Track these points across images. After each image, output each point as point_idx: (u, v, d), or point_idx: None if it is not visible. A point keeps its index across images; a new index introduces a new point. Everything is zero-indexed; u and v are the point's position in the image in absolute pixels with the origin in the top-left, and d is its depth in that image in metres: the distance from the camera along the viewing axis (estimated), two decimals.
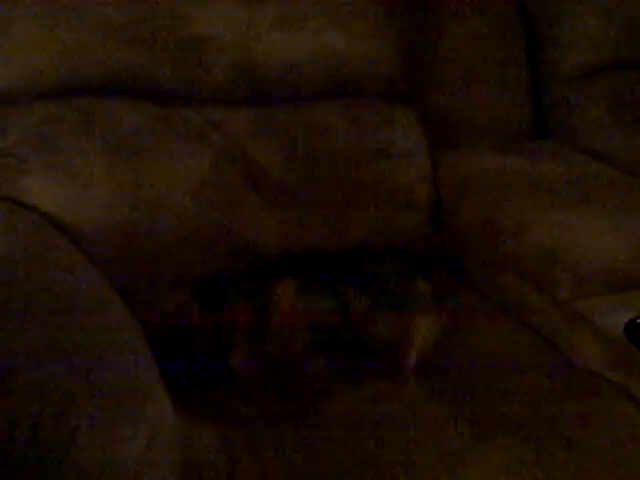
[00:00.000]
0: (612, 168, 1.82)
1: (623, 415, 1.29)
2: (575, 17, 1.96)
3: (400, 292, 1.38)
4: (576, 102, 1.96)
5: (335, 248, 1.58)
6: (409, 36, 1.78)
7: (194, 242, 1.53)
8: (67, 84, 1.54)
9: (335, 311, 1.35)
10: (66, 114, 1.53)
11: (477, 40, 1.92)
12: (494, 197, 1.68)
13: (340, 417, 1.25)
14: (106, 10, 1.55)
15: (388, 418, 1.24)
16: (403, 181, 1.70)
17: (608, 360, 1.38)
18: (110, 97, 1.57)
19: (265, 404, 1.26)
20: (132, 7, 1.57)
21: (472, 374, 1.35)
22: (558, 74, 1.97)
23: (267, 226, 1.58)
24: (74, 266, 1.30)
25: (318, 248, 1.57)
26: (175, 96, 1.61)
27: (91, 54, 1.54)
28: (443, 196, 1.73)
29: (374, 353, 1.34)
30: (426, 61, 1.85)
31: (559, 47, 1.96)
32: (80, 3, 1.54)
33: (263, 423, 1.22)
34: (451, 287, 1.52)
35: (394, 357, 1.35)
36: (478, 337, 1.46)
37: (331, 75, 1.69)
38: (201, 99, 1.63)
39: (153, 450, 0.96)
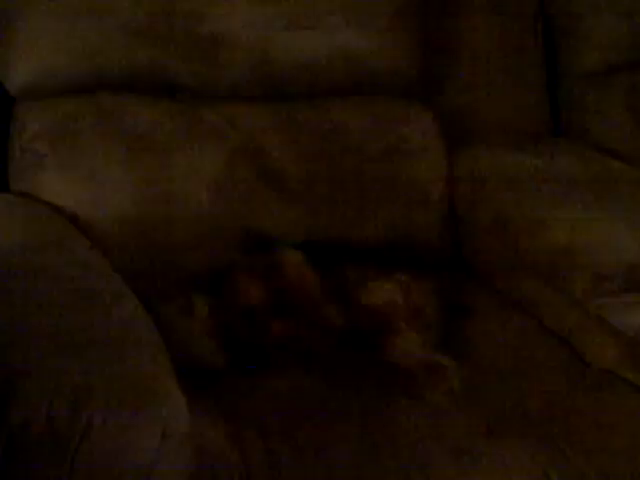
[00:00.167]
0: (629, 167, 1.81)
1: (638, 414, 1.28)
2: (594, 15, 1.95)
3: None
4: (593, 100, 1.95)
5: (349, 244, 1.59)
6: (425, 34, 1.78)
7: (210, 237, 1.53)
8: (85, 81, 1.55)
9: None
10: (84, 110, 1.54)
11: (494, 37, 1.90)
12: (510, 195, 1.67)
13: (354, 414, 1.25)
14: (125, 8, 1.56)
15: (402, 416, 1.24)
16: (418, 178, 1.69)
17: (624, 359, 1.38)
18: (127, 94, 1.58)
19: (278, 400, 1.26)
20: (150, 5, 1.57)
21: (486, 372, 1.35)
22: (576, 72, 1.96)
23: (283, 222, 1.59)
24: (89, 260, 1.31)
25: (333, 243, 1.58)
26: (192, 92, 1.61)
27: (109, 51, 1.55)
28: (458, 194, 1.73)
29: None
30: (442, 59, 1.85)
31: (577, 45, 1.95)
32: (99, 0, 1.55)
33: (277, 420, 1.22)
34: (460, 286, 1.53)
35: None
36: (492, 335, 1.45)
37: (347, 73, 1.69)
38: (217, 96, 1.63)
39: (166, 445, 0.96)
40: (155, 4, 1.58)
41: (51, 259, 1.24)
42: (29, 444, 0.92)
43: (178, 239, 1.51)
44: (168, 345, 1.10)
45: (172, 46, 1.57)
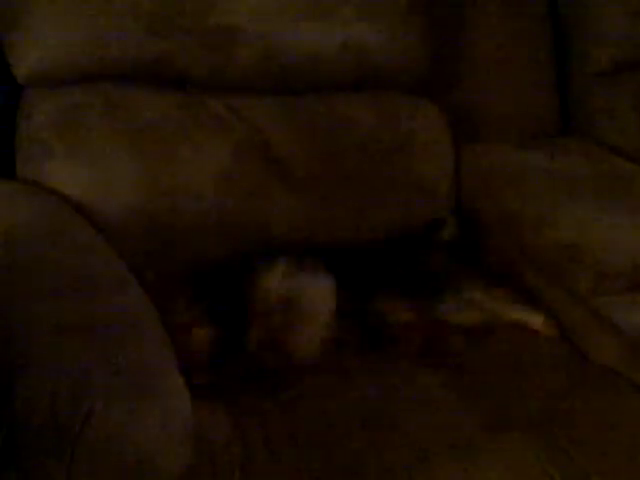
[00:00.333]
0: (637, 166, 1.80)
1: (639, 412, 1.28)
2: (604, 14, 1.94)
3: None
4: (602, 99, 1.94)
5: (356, 238, 1.59)
6: (435, 30, 1.77)
7: (214, 229, 1.53)
8: (92, 70, 1.55)
9: None
10: (91, 100, 1.54)
11: (503, 35, 1.90)
12: (515, 192, 1.67)
13: (355, 407, 1.25)
14: None
15: (403, 409, 1.25)
16: (425, 174, 1.69)
17: (626, 358, 1.38)
18: (135, 84, 1.58)
19: (279, 394, 1.27)
20: None
21: (488, 368, 1.35)
22: (584, 70, 1.95)
23: (289, 214, 1.59)
24: (94, 248, 1.31)
25: (338, 237, 1.58)
26: (199, 84, 1.61)
27: (117, 40, 1.54)
28: (465, 190, 1.73)
29: None
30: (451, 55, 1.84)
31: (587, 43, 1.94)
32: None
33: (277, 412, 1.23)
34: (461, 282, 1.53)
35: None
36: (494, 332, 1.45)
37: (357, 66, 1.69)
38: (225, 87, 1.63)
39: (167, 431, 0.96)
40: None
41: (56, 246, 1.24)
42: (31, 433, 0.92)
43: (183, 229, 1.51)
44: None
45: (181, 36, 1.57)
